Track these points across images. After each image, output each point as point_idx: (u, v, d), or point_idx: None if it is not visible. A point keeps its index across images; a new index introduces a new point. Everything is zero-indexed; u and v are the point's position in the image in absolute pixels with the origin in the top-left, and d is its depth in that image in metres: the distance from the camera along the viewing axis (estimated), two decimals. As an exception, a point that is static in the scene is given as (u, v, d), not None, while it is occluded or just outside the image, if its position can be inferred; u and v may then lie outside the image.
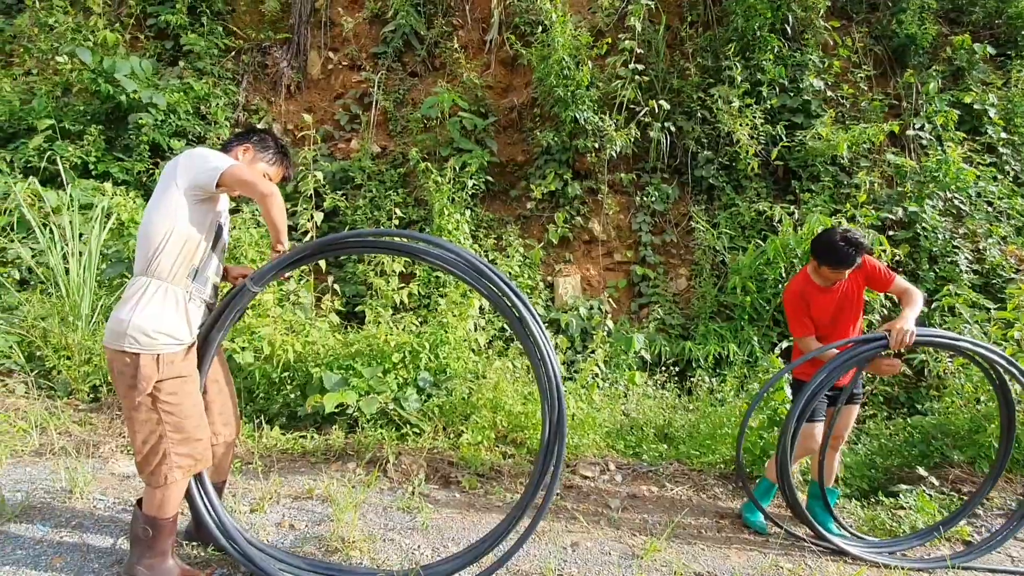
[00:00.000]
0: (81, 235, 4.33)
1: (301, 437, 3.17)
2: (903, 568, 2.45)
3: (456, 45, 6.59)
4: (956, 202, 5.52)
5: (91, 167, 5.51)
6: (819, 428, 2.75)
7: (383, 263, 4.57)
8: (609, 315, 4.84)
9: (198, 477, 2.04)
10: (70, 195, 4.59)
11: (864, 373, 2.86)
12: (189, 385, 1.86)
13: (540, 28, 5.94)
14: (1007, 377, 2.67)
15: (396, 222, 5.07)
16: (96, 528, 2.33)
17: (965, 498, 3.28)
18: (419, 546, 2.30)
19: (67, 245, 4.20)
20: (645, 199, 6.06)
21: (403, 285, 4.43)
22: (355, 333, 3.69)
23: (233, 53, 6.75)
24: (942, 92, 6.12)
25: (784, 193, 5.94)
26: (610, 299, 5.74)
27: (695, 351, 5.00)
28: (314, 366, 3.29)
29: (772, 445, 3.37)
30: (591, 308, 5.37)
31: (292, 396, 3.31)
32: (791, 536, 2.74)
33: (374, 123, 6.50)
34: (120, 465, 2.89)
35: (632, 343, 4.96)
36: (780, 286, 4.98)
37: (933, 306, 4.93)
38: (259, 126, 2.05)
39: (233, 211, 4.46)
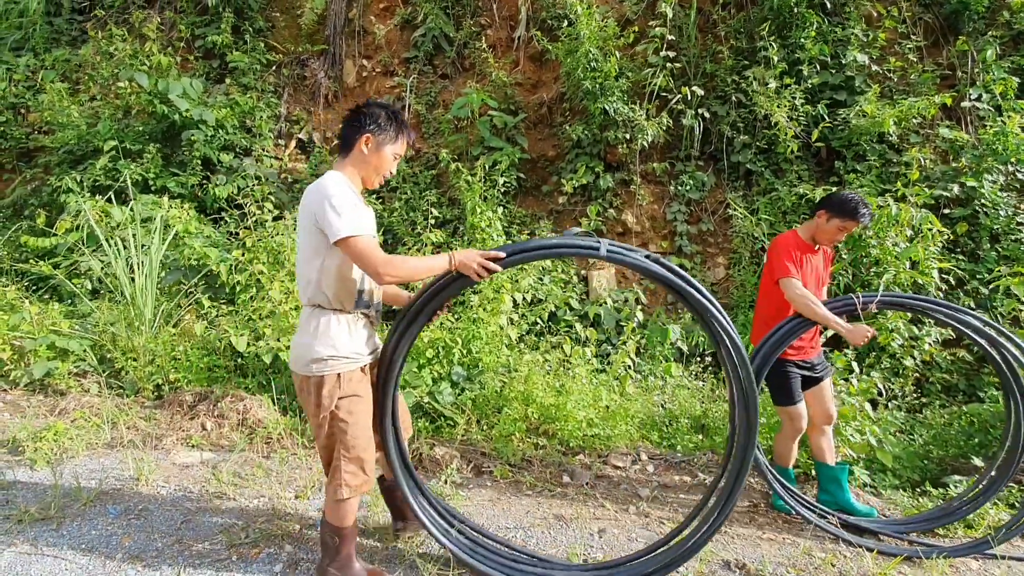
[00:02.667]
0: (143, 246, 4.68)
1: None
2: (938, 556, 2.35)
3: (484, 45, 6.68)
4: (1019, 175, 5.14)
5: (150, 183, 5.93)
6: (801, 408, 2.73)
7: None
8: (640, 307, 4.79)
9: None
10: (131, 209, 4.97)
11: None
12: (363, 405, 1.96)
13: (566, 22, 5.93)
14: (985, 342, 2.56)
15: (432, 222, 5.21)
16: (160, 512, 2.56)
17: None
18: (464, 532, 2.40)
19: (131, 256, 4.56)
20: (679, 188, 5.96)
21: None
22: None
23: (274, 67, 7.09)
24: (1000, 59, 5.70)
25: (828, 175, 5.70)
26: (646, 290, 5.69)
27: (734, 341, 4.89)
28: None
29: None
30: (624, 300, 5.34)
31: (333, 391, 3.48)
32: (820, 528, 2.67)
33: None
34: (180, 456, 3.15)
35: (668, 334, 4.91)
36: (823, 272, 4.81)
37: (992, 287, 4.64)
38: (369, 103, 1.99)
39: (276, 217, 4.71)
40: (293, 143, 6.81)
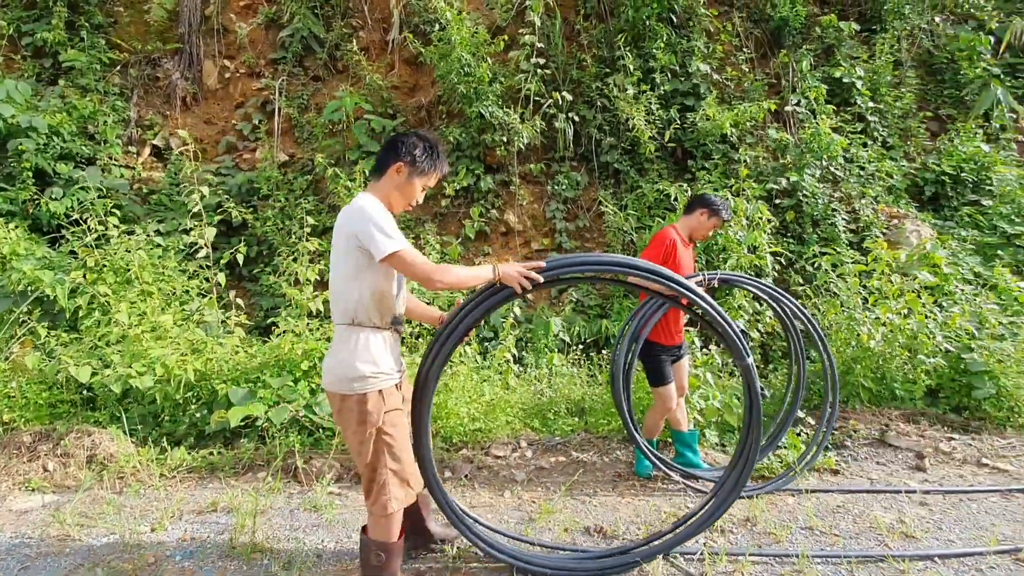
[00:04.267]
0: (-41, 272, 4.07)
1: (209, 454, 3.16)
2: (757, 494, 2.76)
3: (357, 47, 6.56)
4: (832, 169, 6.05)
5: (-31, 199, 5.14)
6: (673, 388, 3.08)
7: (297, 272, 4.58)
8: (516, 303, 4.99)
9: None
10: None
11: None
12: (404, 418, 2.01)
13: (438, 26, 6.01)
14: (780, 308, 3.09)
15: (307, 230, 5.06)
16: (-9, 565, 2.29)
17: (836, 432, 3.71)
18: (323, 540, 2.39)
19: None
20: (556, 187, 6.29)
21: (317, 293, 4.46)
22: (260, 345, 3.69)
23: (119, 67, 6.44)
24: (814, 69, 6.67)
25: (683, 172, 6.32)
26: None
27: (611, 328, 5.28)
28: (220, 382, 3.28)
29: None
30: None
31: (198, 415, 3.29)
32: (683, 480, 3.02)
33: (279, 131, 6.39)
34: (17, 502, 2.81)
35: (550, 327, 5.18)
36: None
37: (815, 265, 5.42)
38: (411, 133, 2.08)
39: (128, 232, 4.31)
40: (147, 150, 6.25)
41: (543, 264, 1.99)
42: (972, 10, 7.32)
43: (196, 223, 3.99)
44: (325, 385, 1.98)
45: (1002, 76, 6.76)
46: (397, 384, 2.00)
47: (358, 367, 1.88)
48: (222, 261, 4.14)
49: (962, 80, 6.78)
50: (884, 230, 5.88)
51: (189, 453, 3.15)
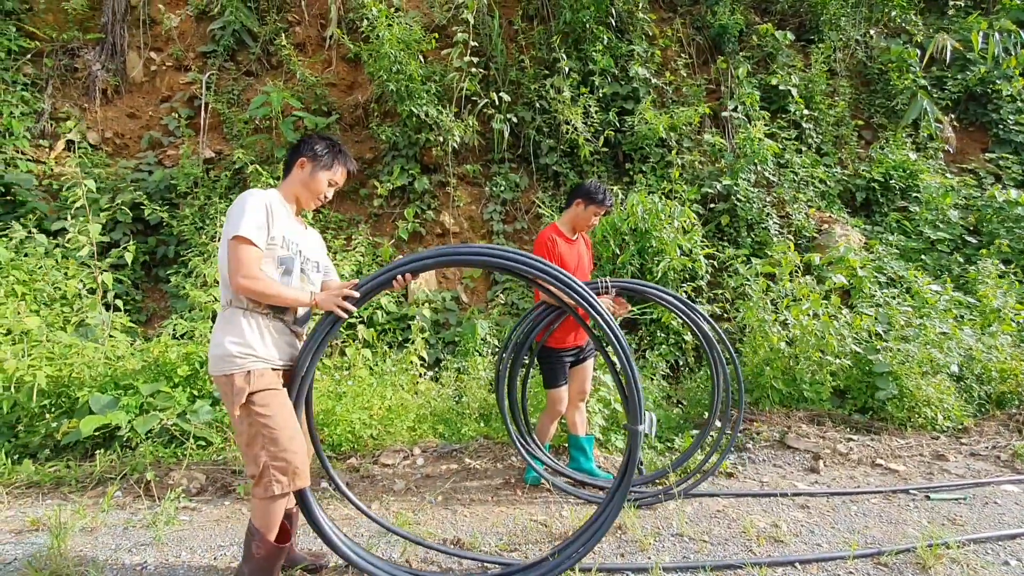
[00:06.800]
0: None
1: (55, 467, 2.89)
2: (630, 504, 2.65)
3: (289, 42, 6.37)
4: (766, 174, 6.07)
5: None
6: (565, 391, 2.96)
7: (205, 273, 4.36)
8: (423, 304, 4.83)
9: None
10: None
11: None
12: (281, 397, 1.94)
13: (366, 23, 5.86)
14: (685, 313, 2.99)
15: (220, 229, 4.83)
16: None
17: (740, 435, 3.63)
18: (146, 562, 2.18)
19: None
20: (494, 189, 6.17)
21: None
22: (129, 349, 3.45)
23: (29, 56, 6.12)
24: (752, 76, 6.71)
25: (622, 175, 6.27)
26: (465, 289, 5.81)
27: (543, 331, 5.16)
28: (84, 390, 3.03)
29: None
30: (443, 300, 5.41)
31: (54, 425, 3.03)
32: (558, 489, 2.90)
33: (205, 126, 6.15)
34: None
35: (476, 329, 5.04)
36: (616, 263, 5.23)
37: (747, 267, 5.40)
38: (313, 135, 2.19)
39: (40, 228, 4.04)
40: (61, 144, 5.93)
41: (355, 282, 2.04)
42: (904, 24, 7.49)
43: (76, 220, 3.74)
44: (209, 371, 1.98)
45: (929, 88, 6.91)
46: (275, 370, 1.95)
47: (226, 345, 1.88)
48: (108, 261, 3.89)
49: (892, 91, 6.91)
50: (815, 234, 5.91)
51: (38, 467, 2.89)
